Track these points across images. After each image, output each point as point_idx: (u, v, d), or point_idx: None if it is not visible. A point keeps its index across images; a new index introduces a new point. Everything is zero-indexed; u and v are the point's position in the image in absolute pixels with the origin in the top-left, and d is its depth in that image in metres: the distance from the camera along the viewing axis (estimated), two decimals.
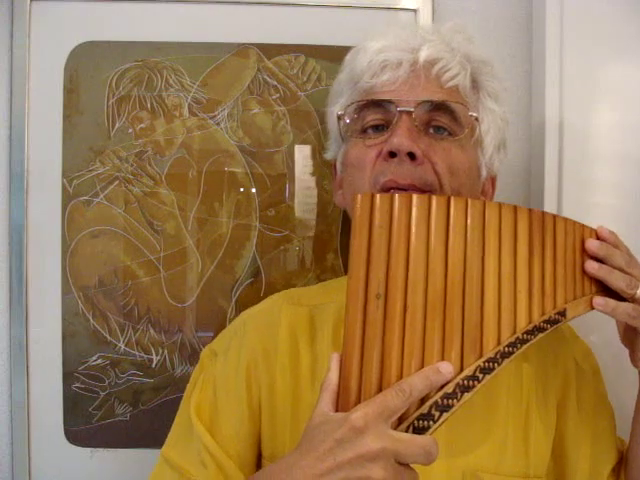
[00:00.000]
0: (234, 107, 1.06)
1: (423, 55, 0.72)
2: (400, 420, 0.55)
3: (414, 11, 1.05)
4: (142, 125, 1.05)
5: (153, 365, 1.05)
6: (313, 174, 1.06)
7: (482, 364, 0.57)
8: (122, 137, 1.05)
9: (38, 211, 1.04)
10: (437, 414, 0.55)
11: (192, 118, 1.06)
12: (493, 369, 0.57)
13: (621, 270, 0.64)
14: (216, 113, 1.06)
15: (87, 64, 1.04)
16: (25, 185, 1.03)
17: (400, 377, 0.56)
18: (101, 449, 1.05)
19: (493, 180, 0.82)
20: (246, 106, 1.06)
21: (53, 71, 1.04)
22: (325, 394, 0.57)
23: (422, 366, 0.56)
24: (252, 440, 0.76)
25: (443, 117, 0.72)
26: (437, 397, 0.55)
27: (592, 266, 0.64)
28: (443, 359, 0.57)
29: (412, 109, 0.70)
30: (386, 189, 0.70)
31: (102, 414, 1.05)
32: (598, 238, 0.66)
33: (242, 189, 1.06)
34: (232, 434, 0.74)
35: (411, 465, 0.54)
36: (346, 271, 0.61)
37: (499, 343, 0.58)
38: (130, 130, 1.05)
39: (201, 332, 1.06)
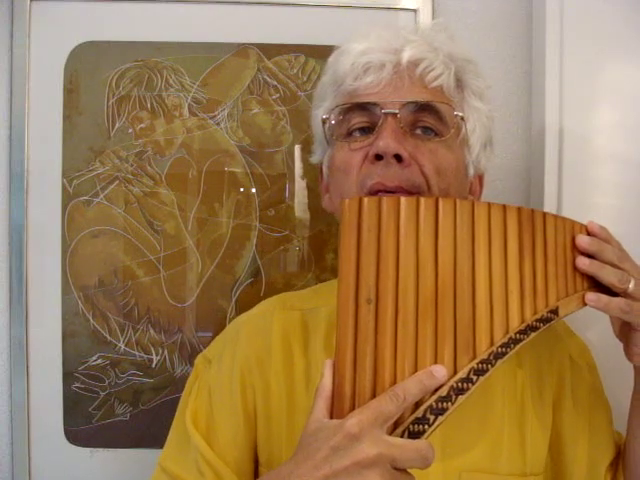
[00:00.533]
0: (234, 107, 1.06)
1: (406, 56, 0.71)
2: (396, 425, 0.55)
3: (414, 11, 1.05)
4: (142, 125, 1.05)
5: (153, 365, 1.05)
6: (313, 174, 1.06)
7: (476, 366, 0.57)
8: (122, 137, 1.05)
9: (38, 211, 1.04)
10: (432, 418, 0.55)
11: (192, 118, 1.06)
12: (487, 370, 0.57)
13: (613, 265, 0.64)
14: (216, 113, 1.06)
15: (87, 64, 1.04)
16: (25, 185, 1.03)
17: (394, 382, 0.55)
18: (101, 449, 1.05)
19: (480, 178, 0.82)
20: (246, 106, 1.06)
21: (53, 71, 1.04)
22: (319, 401, 0.57)
23: (415, 370, 0.56)
24: (248, 446, 0.75)
25: (428, 117, 0.72)
26: (432, 401, 0.55)
27: (583, 262, 0.64)
28: (436, 362, 0.56)
29: (397, 111, 0.70)
30: (373, 192, 0.69)
31: (102, 414, 1.05)
32: (589, 234, 0.66)
33: (242, 189, 1.06)
34: (228, 441, 0.74)
35: (408, 469, 0.54)
36: None
37: (492, 344, 0.58)
38: (130, 130, 1.05)
39: (201, 332, 1.06)
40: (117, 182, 1.05)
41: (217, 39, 1.05)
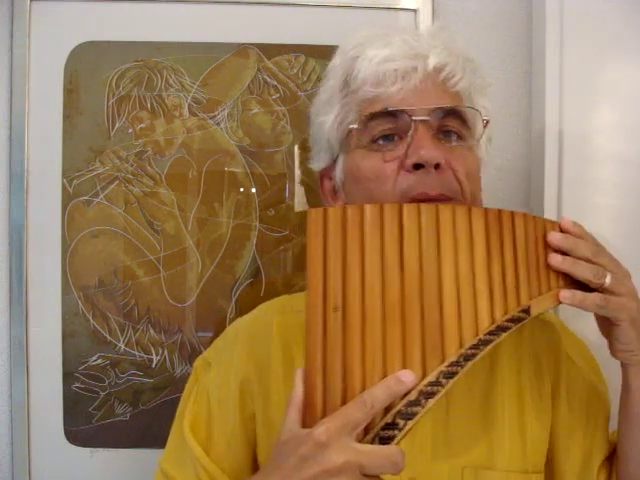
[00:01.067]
0: (234, 107, 1.06)
1: (432, 62, 0.71)
2: (366, 431, 0.55)
3: (414, 11, 1.05)
4: (142, 125, 1.05)
5: (153, 365, 1.05)
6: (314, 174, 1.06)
7: (445, 369, 0.56)
8: (122, 137, 1.05)
9: (38, 211, 1.04)
10: (402, 422, 0.55)
11: (192, 118, 1.06)
12: (456, 373, 0.57)
13: (587, 260, 0.63)
14: (216, 113, 1.06)
15: (87, 64, 1.04)
16: (25, 185, 1.03)
17: (364, 388, 0.55)
18: (101, 449, 1.05)
19: None
20: (246, 106, 1.06)
21: (53, 71, 1.04)
22: (291, 410, 0.57)
23: (385, 375, 0.56)
24: (247, 453, 0.76)
25: (454, 122, 0.72)
26: (400, 405, 0.55)
27: (555, 259, 0.63)
28: (405, 367, 0.56)
29: (427, 118, 0.69)
30: (416, 201, 0.68)
31: (102, 414, 1.05)
32: (562, 231, 0.65)
33: (242, 189, 1.06)
34: (225, 448, 0.75)
35: (382, 476, 0.54)
36: None
37: (461, 346, 0.58)
38: (130, 130, 1.05)
39: (201, 332, 1.06)
40: (117, 182, 1.05)
41: (217, 39, 1.05)
